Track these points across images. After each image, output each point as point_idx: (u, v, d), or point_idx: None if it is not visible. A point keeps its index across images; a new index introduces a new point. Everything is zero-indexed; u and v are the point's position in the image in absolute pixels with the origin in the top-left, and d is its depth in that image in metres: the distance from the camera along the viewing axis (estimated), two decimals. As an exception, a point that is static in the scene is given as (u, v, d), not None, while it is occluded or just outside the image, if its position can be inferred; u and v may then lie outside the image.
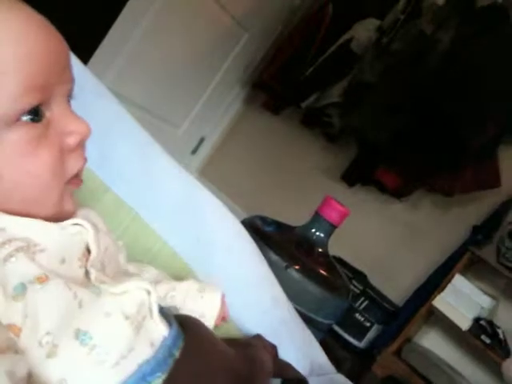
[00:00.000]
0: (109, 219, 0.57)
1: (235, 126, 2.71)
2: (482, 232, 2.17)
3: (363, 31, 2.09)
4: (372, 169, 2.27)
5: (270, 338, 0.60)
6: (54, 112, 0.43)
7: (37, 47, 0.41)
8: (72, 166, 0.44)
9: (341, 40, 2.14)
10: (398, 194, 2.29)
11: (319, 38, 2.23)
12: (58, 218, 0.44)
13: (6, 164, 0.40)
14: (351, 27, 2.13)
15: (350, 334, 2.20)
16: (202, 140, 2.65)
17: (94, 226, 0.46)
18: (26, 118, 0.40)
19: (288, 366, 0.59)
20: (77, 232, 0.44)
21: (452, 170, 2.05)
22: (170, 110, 2.36)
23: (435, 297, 2.15)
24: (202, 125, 2.57)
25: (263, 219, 1.24)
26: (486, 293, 2.16)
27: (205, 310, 0.53)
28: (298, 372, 0.60)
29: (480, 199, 2.18)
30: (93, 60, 1.70)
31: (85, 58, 1.63)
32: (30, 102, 0.40)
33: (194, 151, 2.65)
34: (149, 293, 0.43)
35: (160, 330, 0.42)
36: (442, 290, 2.15)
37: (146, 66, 2.05)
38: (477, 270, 2.21)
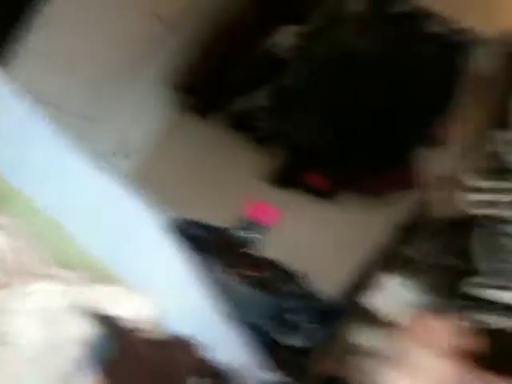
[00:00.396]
0: (22, 222, 0.55)
1: (163, 128, 2.67)
2: (408, 231, 2.26)
3: (286, 37, 2.14)
4: (301, 171, 2.31)
5: (195, 338, 0.60)
6: None
7: None
8: None
9: (265, 44, 2.17)
10: (327, 195, 2.35)
11: (245, 41, 2.26)
12: None
13: None
14: (275, 32, 2.17)
15: (284, 334, 2.22)
16: (128, 141, 2.60)
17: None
18: None
19: (212, 364, 0.59)
20: None
21: (378, 171, 2.12)
22: (95, 111, 2.30)
23: (366, 295, 2.21)
24: (128, 125, 2.52)
25: (192, 222, 1.24)
26: (415, 289, 2.25)
27: (130, 313, 0.52)
28: (223, 370, 0.60)
29: (406, 199, 2.27)
30: (5, 64, 1.63)
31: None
32: None
33: (120, 153, 2.60)
34: (63, 294, 0.42)
35: (81, 330, 0.41)
36: (373, 288, 2.21)
37: (72, 64, 1.99)
38: (405, 267, 2.29)
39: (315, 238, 2.43)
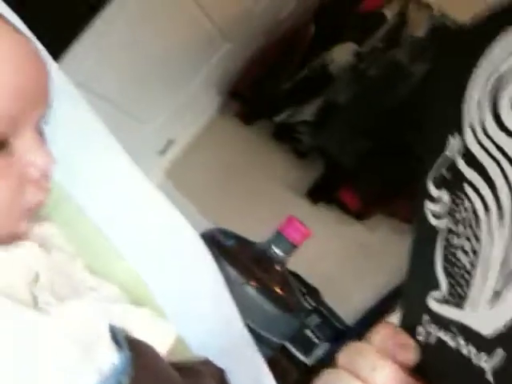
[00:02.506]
0: (68, 230, 0.55)
1: (206, 132, 2.70)
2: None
3: (342, 54, 2.13)
4: (336, 188, 2.30)
5: (219, 360, 0.60)
6: (21, 140, 0.42)
7: (6, 72, 0.39)
8: (31, 198, 0.44)
9: (319, 60, 2.17)
10: (359, 215, 2.33)
11: (299, 55, 2.26)
12: (7, 239, 0.43)
13: None
14: (331, 49, 2.17)
15: (298, 349, 2.22)
16: (171, 142, 2.63)
17: (46, 245, 0.45)
18: None
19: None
20: (22, 256, 0.43)
21: (410, 197, 2.10)
22: (142, 108, 2.33)
23: (385, 318, 2.19)
24: (172, 126, 2.55)
25: (224, 232, 1.24)
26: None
27: (158, 338, 0.50)
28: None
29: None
30: (66, 54, 1.68)
31: (58, 51, 1.60)
32: None
33: (162, 152, 2.63)
34: (100, 315, 0.42)
35: (109, 356, 0.40)
36: (392, 312, 2.19)
37: (123, 62, 2.02)
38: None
39: (341, 256, 2.42)
